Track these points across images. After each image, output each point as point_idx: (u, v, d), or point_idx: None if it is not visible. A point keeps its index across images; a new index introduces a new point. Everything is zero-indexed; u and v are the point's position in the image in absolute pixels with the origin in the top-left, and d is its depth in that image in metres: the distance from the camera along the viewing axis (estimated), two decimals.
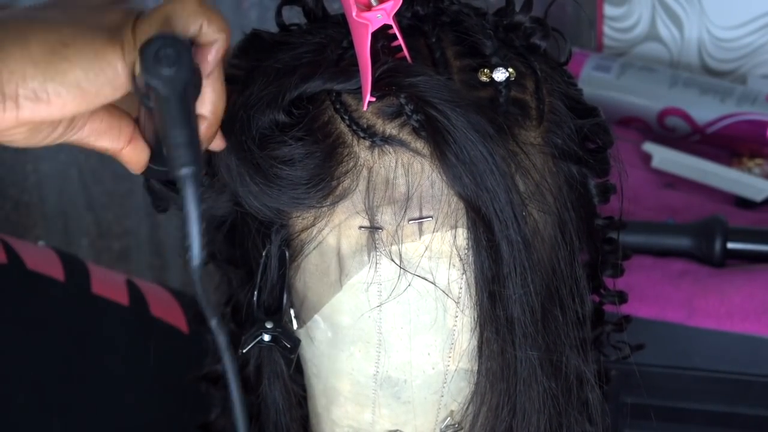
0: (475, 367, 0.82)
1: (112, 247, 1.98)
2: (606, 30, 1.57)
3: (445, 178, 0.77)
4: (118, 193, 1.94)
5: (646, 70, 1.48)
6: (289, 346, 0.85)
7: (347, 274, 0.81)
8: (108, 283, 1.19)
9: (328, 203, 0.79)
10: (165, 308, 1.15)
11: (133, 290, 1.19)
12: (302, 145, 0.79)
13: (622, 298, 0.91)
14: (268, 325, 0.85)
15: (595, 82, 1.48)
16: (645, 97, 1.47)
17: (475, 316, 0.80)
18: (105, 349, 1.09)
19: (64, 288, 1.17)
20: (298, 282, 0.84)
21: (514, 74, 0.80)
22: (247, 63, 0.85)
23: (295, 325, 0.85)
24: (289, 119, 0.80)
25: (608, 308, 0.92)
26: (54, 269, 1.17)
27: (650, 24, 1.55)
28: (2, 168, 1.90)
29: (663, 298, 1.25)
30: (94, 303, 1.17)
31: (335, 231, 0.80)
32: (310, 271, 0.83)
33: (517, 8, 0.84)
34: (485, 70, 0.80)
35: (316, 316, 0.84)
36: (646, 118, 1.47)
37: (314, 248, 0.82)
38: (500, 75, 0.80)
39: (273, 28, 0.88)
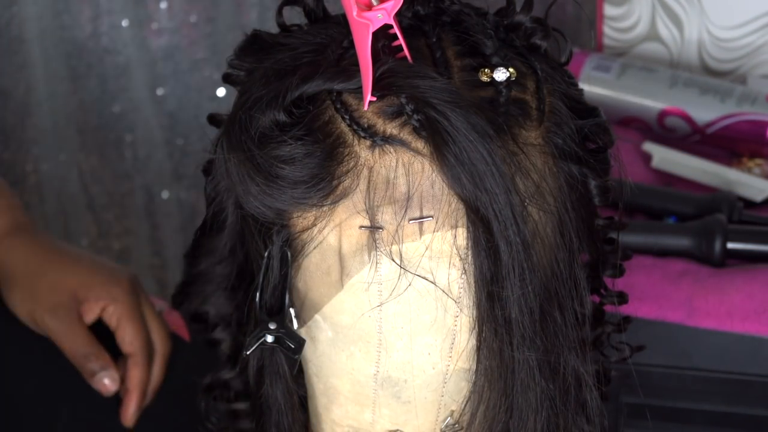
0: (474, 367, 0.82)
1: (112, 247, 1.98)
2: (606, 30, 1.56)
3: (444, 178, 0.77)
4: (118, 193, 1.94)
5: (646, 70, 1.48)
6: (292, 346, 0.85)
7: (348, 273, 0.81)
8: None
9: (328, 203, 0.79)
10: (166, 314, 1.17)
11: None
12: (302, 144, 0.79)
13: (622, 298, 0.91)
14: (272, 326, 0.85)
15: (595, 82, 1.48)
16: (645, 97, 1.46)
17: (474, 316, 0.80)
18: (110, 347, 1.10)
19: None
20: (298, 282, 0.84)
21: (515, 74, 0.80)
22: (248, 63, 0.85)
23: (295, 325, 0.85)
24: (289, 119, 0.80)
25: (608, 308, 0.92)
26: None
27: (650, 24, 1.54)
28: (2, 168, 1.90)
29: (663, 298, 1.25)
30: None
31: (336, 231, 0.80)
32: (310, 271, 0.83)
33: (518, 8, 0.85)
34: (486, 70, 0.80)
35: (317, 316, 0.84)
36: (646, 118, 1.47)
37: (315, 248, 0.82)
38: (501, 75, 0.80)
39: (273, 28, 0.88)
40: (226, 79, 0.87)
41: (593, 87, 1.48)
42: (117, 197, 1.94)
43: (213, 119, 0.89)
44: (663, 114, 1.45)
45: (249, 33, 0.88)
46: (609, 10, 1.56)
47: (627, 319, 0.93)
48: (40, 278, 1.09)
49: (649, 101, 1.46)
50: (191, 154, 1.87)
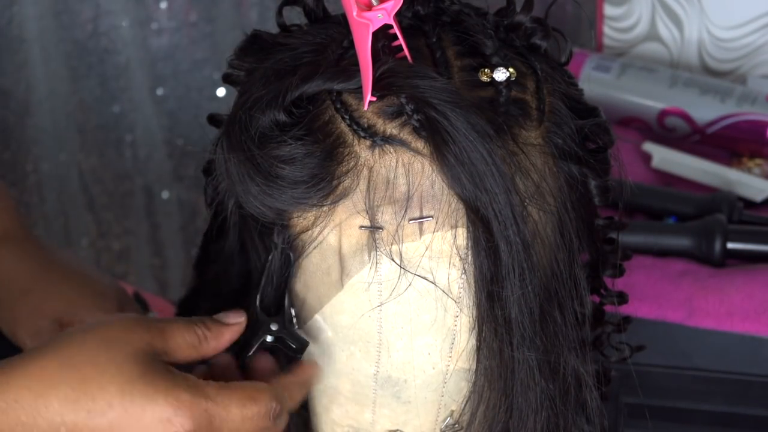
0: (474, 367, 0.82)
1: (112, 247, 1.98)
2: (606, 30, 1.57)
3: (444, 178, 0.77)
4: (118, 193, 1.94)
5: (646, 70, 1.48)
6: (294, 346, 0.85)
7: (348, 273, 0.81)
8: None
9: (328, 203, 0.79)
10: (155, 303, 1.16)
11: (139, 302, 1.20)
12: (302, 144, 0.79)
13: (622, 298, 0.91)
14: (273, 327, 0.85)
15: (595, 82, 1.48)
16: (645, 97, 1.46)
17: (474, 316, 0.80)
18: None
19: None
20: (298, 282, 0.84)
21: (515, 74, 0.80)
22: (248, 63, 0.85)
23: (295, 325, 0.85)
24: (289, 119, 0.80)
25: (609, 308, 0.91)
26: None
27: (650, 24, 1.54)
28: (2, 168, 1.90)
29: (663, 297, 1.25)
30: None
31: (336, 231, 0.80)
32: (310, 271, 0.83)
33: (518, 8, 0.84)
34: (486, 70, 0.80)
35: (317, 316, 0.84)
36: (646, 118, 1.47)
37: (315, 248, 0.82)
38: (501, 75, 0.80)
39: (274, 27, 0.88)
40: (226, 79, 0.87)
41: (593, 87, 1.47)
42: (117, 197, 1.94)
43: (213, 119, 0.89)
44: (663, 114, 1.45)
45: (249, 33, 0.88)
46: (609, 10, 1.56)
47: (627, 319, 0.93)
48: (23, 301, 1.05)
49: (649, 101, 1.46)
50: (191, 154, 1.87)
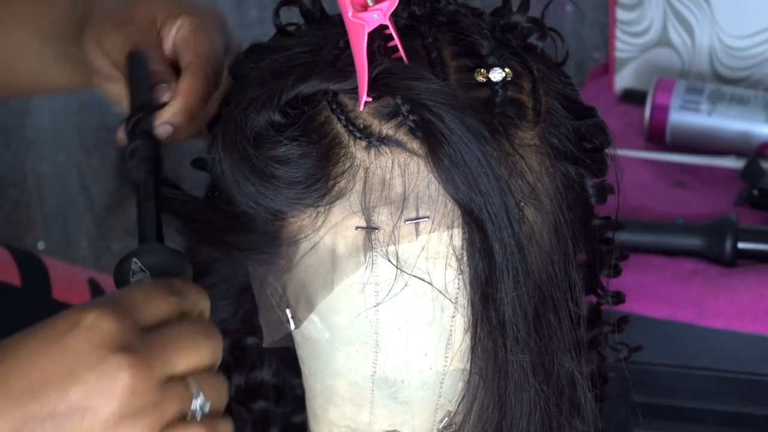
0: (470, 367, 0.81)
1: (112, 248, 1.98)
2: (618, 34, 1.58)
3: (439, 180, 0.76)
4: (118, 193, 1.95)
5: (736, 101, 1.47)
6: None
7: (344, 274, 0.80)
8: (70, 287, 1.15)
9: (324, 203, 0.79)
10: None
11: (96, 291, 1.15)
12: (298, 145, 0.79)
13: (618, 298, 0.90)
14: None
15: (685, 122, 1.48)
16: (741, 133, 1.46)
17: (469, 314, 0.79)
18: None
19: (22, 294, 1.13)
20: (294, 282, 0.84)
21: (511, 74, 0.80)
22: (245, 65, 0.85)
23: (292, 326, 0.85)
24: (284, 119, 0.80)
25: (610, 308, 0.91)
26: (9, 273, 1.13)
27: (662, 29, 1.55)
28: (2, 168, 1.91)
29: (674, 297, 1.25)
30: (55, 310, 1.13)
31: (332, 231, 0.80)
32: (306, 272, 0.82)
33: (514, 8, 0.84)
34: (482, 70, 0.80)
35: (313, 317, 0.83)
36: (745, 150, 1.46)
37: (311, 249, 0.81)
38: (497, 75, 0.80)
39: (273, 27, 0.88)
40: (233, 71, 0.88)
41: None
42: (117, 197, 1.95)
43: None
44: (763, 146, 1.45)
45: (248, 46, 0.87)
46: (621, 14, 1.57)
47: (624, 320, 0.93)
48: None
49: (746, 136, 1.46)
50: (191, 154, 1.87)
